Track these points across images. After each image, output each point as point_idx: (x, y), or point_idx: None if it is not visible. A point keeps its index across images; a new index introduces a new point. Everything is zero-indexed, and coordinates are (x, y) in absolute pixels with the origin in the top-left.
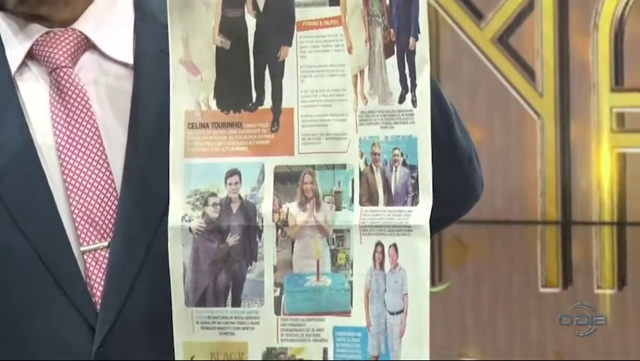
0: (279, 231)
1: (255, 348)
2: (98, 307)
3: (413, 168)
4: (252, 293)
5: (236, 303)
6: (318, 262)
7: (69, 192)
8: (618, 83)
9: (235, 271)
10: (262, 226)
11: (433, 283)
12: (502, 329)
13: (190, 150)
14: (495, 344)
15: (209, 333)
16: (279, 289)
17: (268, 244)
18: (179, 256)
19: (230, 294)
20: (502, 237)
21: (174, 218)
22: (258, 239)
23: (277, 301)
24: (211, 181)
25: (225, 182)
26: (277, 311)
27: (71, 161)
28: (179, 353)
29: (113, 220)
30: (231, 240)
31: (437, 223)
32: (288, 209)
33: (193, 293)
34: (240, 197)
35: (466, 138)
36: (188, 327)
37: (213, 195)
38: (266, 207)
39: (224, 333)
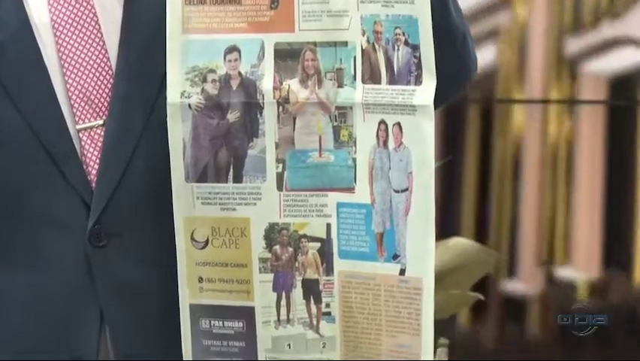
0: (280, 108)
1: (258, 223)
2: (94, 185)
3: (415, 48)
4: (254, 169)
5: (238, 179)
6: (320, 138)
7: (65, 70)
8: None
9: (236, 148)
10: (263, 103)
11: None
12: None
13: (188, 26)
14: None
15: (210, 208)
16: (280, 166)
17: (269, 121)
18: (178, 132)
19: (231, 170)
20: None
21: (173, 94)
22: (259, 116)
23: (279, 177)
24: (210, 57)
25: (224, 58)
26: (279, 187)
27: (67, 38)
28: (179, 227)
29: (108, 98)
30: (232, 116)
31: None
32: (289, 86)
33: (193, 169)
34: (239, 74)
35: (460, 17)
36: (188, 202)
37: (212, 71)
38: (266, 84)
39: (225, 209)
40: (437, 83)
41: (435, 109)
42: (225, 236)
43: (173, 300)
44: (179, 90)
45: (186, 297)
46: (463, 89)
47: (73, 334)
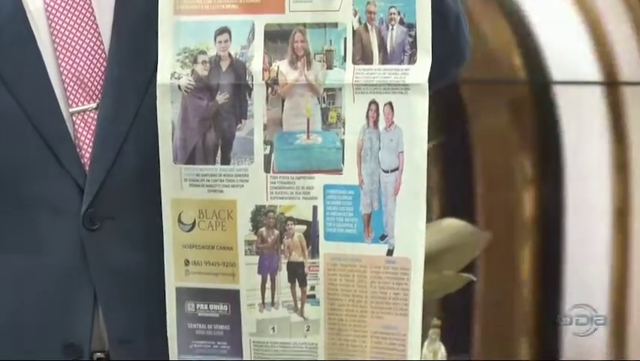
0: (269, 89)
1: (244, 205)
2: (87, 168)
3: (411, 27)
4: (242, 151)
5: (226, 161)
6: (308, 120)
7: (58, 54)
8: None
9: (224, 129)
10: (252, 84)
11: None
12: None
13: (179, 7)
14: None
15: (197, 190)
16: (268, 147)
17: (258, 102)
18: (167, 114)
19: (219, 152)
20: None
21: (163, 76)
22: (247, 97)
23: (267, 159)
24: (200, 39)
25: (215, 40)
26: (267, 169)
27: (60, 22)
28: (166, 209)
29: (102, 81)
30: (221, 98)
31: None
32: (278, 67)
33: (182, 151)
34: (229, 55)
35: None
36: (176, 184)
37: (203, 52)
38: (256, 66)
39: (212, 190)
40: (431, 65)
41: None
42: (212, 218)
43: None
44: (170, 71)
45: (172, 280)
46: (455, 73)
47: (66, 318)
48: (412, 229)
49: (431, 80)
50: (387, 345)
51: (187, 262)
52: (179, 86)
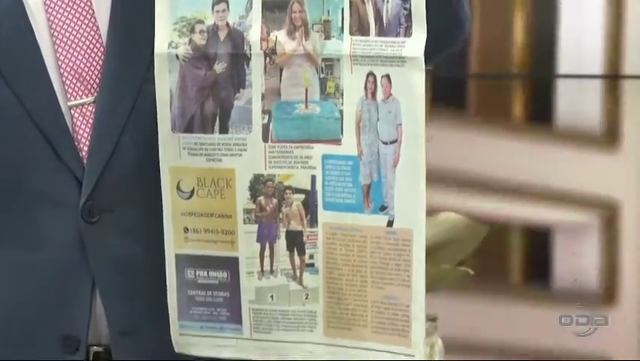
0: (267, 59)
1: (243, 174)
2: (85, 161)
3: (405, 0)
4: (240, 120)
5: (224, 130)
6: (306, 90)
7: (56, 47)
8: None
9: (223, 98)
10: (250, 54)
11: None
12: None
13: None
14: None
15: (196, 159)
16: (267, 117)
17: (256, 72)
18: (165, 83)
19: (217, 121)
20: None
21: (160, 45)
22: (246, 67)
23: (265, 128)
24: (198, 8)
25: (212, 9)
26: (265, 138)
27: (59, 16)
28: (165, 177)
29: (100, 75)
30: (219, 67)
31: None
32: (276, 37)
33: (180, 119)
34: (227, 25)
35: None
36: (174, 153)
37: (200, 22)
38: (254, 35)
39: (211, 159)
40: (429, 38)
41: (426, 63)
42: (211, 187)
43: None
44: (167, 41)
45: (171, 247)
46: (456, 47)
47: (65, 310)
48: (413, 200)
49: (431, 54)
50: (389, 315)
51: (186, 230)
52: (176, 56)
